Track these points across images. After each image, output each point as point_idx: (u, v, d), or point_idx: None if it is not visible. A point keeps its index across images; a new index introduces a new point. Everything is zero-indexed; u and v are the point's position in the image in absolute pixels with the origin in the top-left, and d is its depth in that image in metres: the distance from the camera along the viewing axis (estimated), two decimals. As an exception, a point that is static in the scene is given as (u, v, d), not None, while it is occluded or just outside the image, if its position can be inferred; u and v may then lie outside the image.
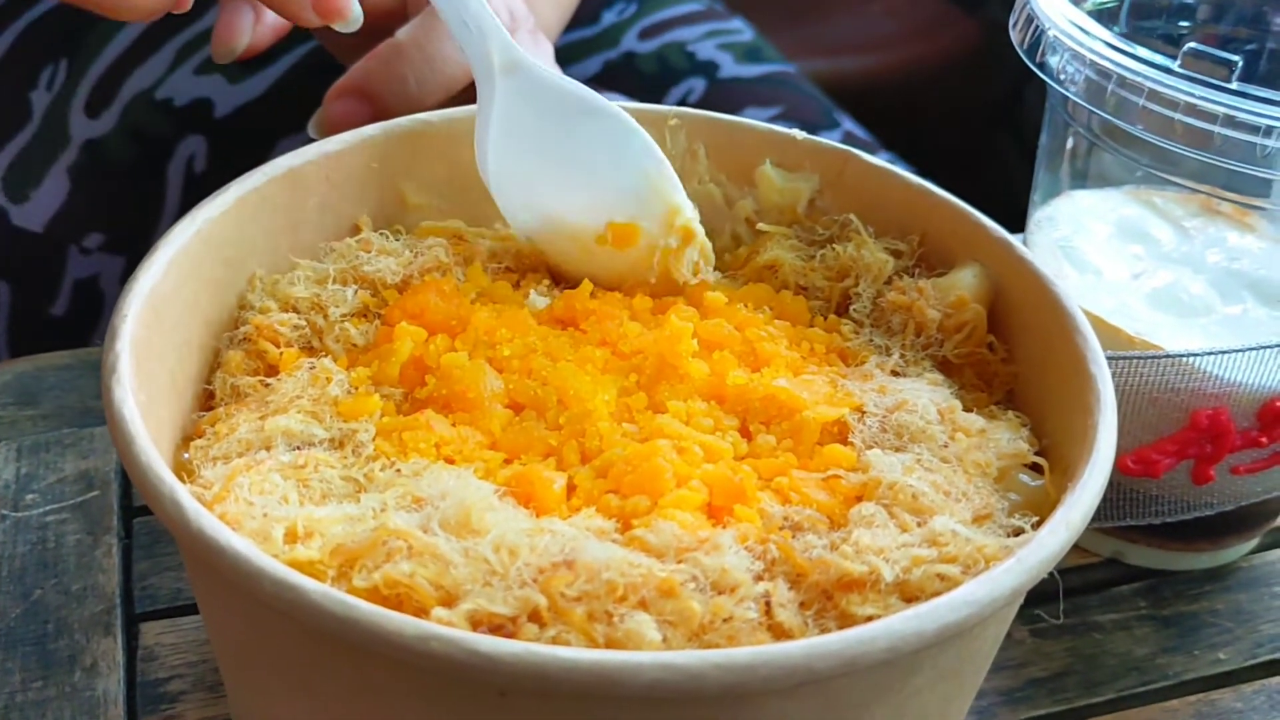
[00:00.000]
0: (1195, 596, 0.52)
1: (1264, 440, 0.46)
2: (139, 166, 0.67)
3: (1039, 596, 0.49)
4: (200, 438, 0.38)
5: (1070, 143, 0.50)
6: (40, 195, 0.66)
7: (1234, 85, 0.42)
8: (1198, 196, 0.50)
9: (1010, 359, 0.43)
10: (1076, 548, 0.52)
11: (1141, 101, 0.43)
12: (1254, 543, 0.54)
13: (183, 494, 0.31)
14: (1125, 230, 0.51)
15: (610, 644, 0.30)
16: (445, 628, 0.28)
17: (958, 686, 0.35)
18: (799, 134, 0.47)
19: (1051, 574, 0.33)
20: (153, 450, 0.32)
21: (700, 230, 0.45)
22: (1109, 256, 0.50)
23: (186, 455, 0.37)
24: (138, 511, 0.50)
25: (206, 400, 0.40)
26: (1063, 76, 0.46)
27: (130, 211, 0.67)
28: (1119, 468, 0.44)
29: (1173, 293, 0.48)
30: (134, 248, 0.67)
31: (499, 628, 0.31)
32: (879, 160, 0.47)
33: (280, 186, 0.42)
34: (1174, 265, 0.49)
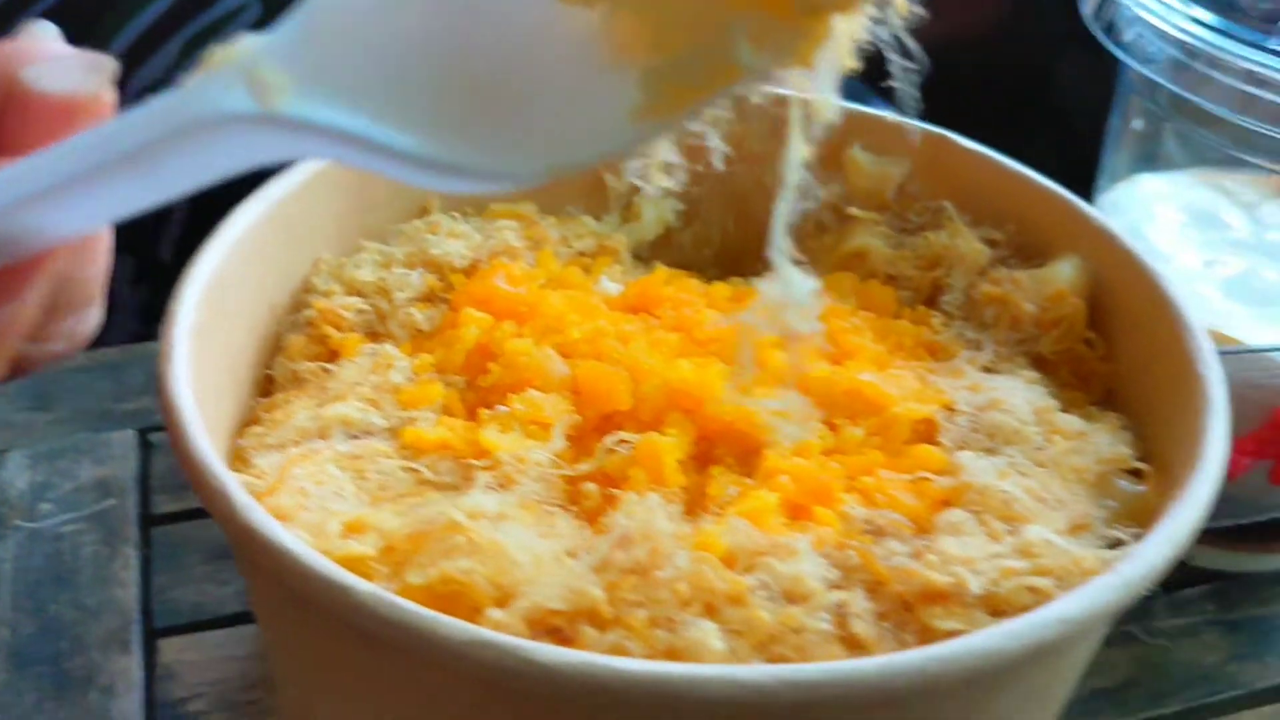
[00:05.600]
0: (1266, 600, 0.49)
1: (1346, 438, 0.43)
2: None
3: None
4: (257, 424, 0.37)
5: (1141, 124, 0.47)
6: None
7: None
8: (1271, 180, 0.47)
9: (1110, 356, 0.40)
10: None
11: (1231, 81, 0.40)
12: None
13: (234, 488, 0.29)
14: (1195, 216, 0.48)
15: (671, 653, 0.29)
16: (498, 634, 0.26)
17: (1042, 706, 0.33)
18: (889, 115, 0.45)
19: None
20: (206, 443, 0.31)
21: None
22: (1178, 243, 0.47)
23: (242, 442, 0.36)
24: (157, 520, 0.49)
25: (267, 385, 0.39)
26: (1142, 55, 0.44)
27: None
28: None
29: (1247, 281, 0.45)
30: (142, 248, 0.66)
31: (556, 630, 0.29)
32: (974, 145, 0.44)
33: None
34: (1248, 252, 0.47)
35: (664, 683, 0.26)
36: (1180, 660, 0.47)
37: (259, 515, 0.29)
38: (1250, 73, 0.40)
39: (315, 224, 0.40)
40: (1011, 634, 0.27)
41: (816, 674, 0.26)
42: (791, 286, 0.32)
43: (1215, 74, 0.41)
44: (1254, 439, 0.44)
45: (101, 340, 0.65)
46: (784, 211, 0.33)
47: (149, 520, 0.49)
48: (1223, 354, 0.42)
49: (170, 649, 0.44)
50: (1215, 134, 0.44)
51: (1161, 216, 0.49)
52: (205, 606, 0.46)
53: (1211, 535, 0.48)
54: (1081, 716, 0.44)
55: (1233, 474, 0.44)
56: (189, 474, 0.30)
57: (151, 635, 0.45)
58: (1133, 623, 0.48)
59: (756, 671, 0.26)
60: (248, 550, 0.29)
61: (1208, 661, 0.47)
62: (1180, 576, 0.50)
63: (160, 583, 0.47)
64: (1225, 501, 0.46)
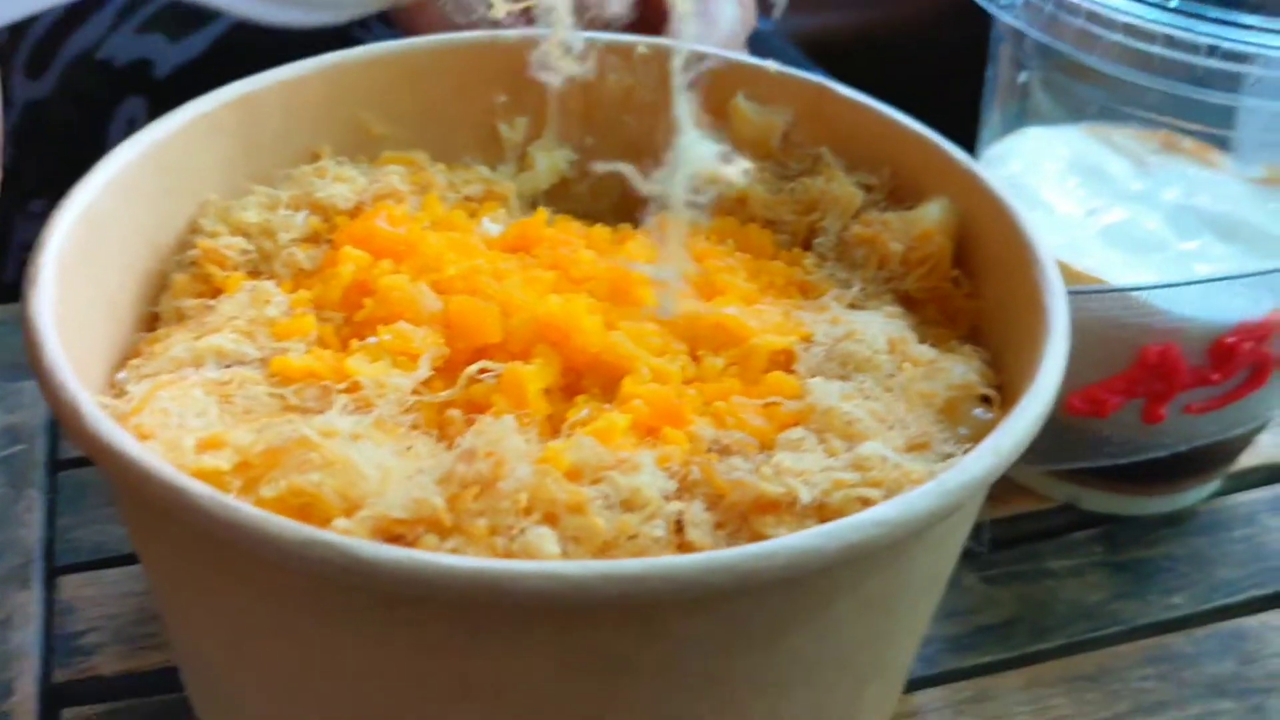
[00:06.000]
0: (1152, 542, 0.50)
1: (1216, 378, 0.44)
2: (80, 129, 0.66)
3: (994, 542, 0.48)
4: (138, 358, 0.38)
5: (1022, 77, 0.49)
6: None
7: (1174, 3, 0.40)
8: (1159, 133, 0.48)
9: (975, 294, 0.41)
10: (1030, 494, 0.51)
11: (1080, 22, 0.41)
12: (1214, 486, 0.52)
13: (84, 400, 0.30)
14: (1080, 167, 0.49)
15: (508, 557, 0.30)
16: (327, 533, 0.27)
17: (887, 621, 0.34)
18: (773, 66, 0.46)
19: (981, 517, 0.32)
20: (62, 362, 0.32)
21: None
22: (1061, 193, 0.48)
23: (121, 374, 0.37)
24: (64, 465, 0.50)
25: (152, 323, 0.40)
26: (1003, 2, 0.45)
27: (74, 175, 0.66)
28: (1066, 408, 0.43)
29: (1126, 229, 0.46)
30: None
31: (399, 538, 0.30)
32: (854, 93, 0.45)
33: (234, 112, 0.42)
34: (1129, 202, 0.47)
35: (484, 577, 0.27)
36: (1065, 599, 0.48)
37: (107, 426, 0.30)
38: (1092, 13, 0.41)
39: (200, 167, 0.41)
40: (827, 534, 0.29)
41: (635, 569, 0.27)
42: (694, 145, 0.33)
43: (1062, 15, 0.42)
44: (1124, 378, 0.45)
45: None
46: (679, 71, 0.34)
47: (56, 465, 0.50)
48: (1089, 294, 0.44)
49: (70, 585, 0.45)
50: (1083, 83, 0.45)
51: (1045, 168, 0.50)
52: (106, 545, 0.47)
53: (1097, 478, 0.50)
54: (966, 651, 0.46)
55: (1104, 413, 0.45)
56: (44, 391, 0.31)
57: (52, 573, 0.46)
58: (1020, 564, 0.49)
59: (576, 566, 0.27)
60: (99, 463, 0.30)
61: (1091, 600, 0.48)
62: (1071, 520, 0.51)
63: (64, 524, 0.48)
64: (1102, 442, 0.47)
